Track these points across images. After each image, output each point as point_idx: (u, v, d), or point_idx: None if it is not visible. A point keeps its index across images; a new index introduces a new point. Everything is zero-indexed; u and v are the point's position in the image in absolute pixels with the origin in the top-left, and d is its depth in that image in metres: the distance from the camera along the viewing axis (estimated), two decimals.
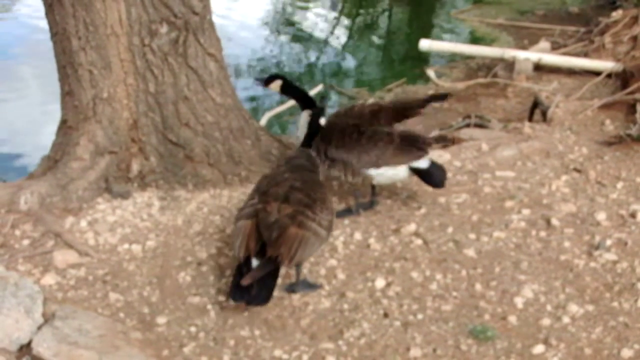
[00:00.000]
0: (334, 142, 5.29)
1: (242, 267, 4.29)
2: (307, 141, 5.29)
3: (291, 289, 4.62)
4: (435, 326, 4.31)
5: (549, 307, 4.46)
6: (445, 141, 5.45)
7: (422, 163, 5.28)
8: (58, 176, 5.50)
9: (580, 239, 5.15)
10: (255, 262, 4.29)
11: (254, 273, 4.22)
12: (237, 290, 4.25)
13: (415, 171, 5.30)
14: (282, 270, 4.53)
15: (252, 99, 10.17)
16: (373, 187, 5.57)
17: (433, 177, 5.33)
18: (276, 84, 5.78)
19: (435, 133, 7.66)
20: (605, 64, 9.14)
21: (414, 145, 5.24)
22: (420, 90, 9.88)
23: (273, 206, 4.43)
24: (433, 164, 5.34)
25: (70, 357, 3.80)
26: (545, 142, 6.66)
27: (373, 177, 5.32)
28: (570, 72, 9.56)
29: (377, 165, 5.25)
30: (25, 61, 11.39)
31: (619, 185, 5.89)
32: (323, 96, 6.02)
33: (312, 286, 4.67)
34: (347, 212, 5.50)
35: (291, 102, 9.28)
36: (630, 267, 4.80)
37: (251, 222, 4.43)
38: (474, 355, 4.09)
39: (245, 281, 4.18)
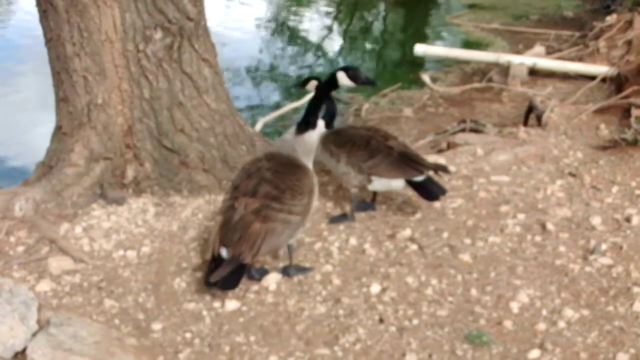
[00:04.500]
0: (345, 148, 5.39)
1: (212, 261, 4.52)
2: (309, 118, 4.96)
3: (285, 272, 4.83)
4: (430, 331, 4.31)
5: (544, 312, 4.45)
6: (442, 169, 5.45)
7: (418, 177, 5.32)
8: (53, 182, 5.50)
9: (575, 243, 5.15)
10: (224, 253, 4.49)
11: (220, 271, 4.42)
12: (208, 280, 4.51)
13: (411, 183, 5.33)
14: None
15: (247, 104, 10.17)
16: (374, 193, 5.63)
17: (427, 190, 5.34)
18: (312, 84, 5.69)
19: (430, 140, 7.68)
20: (600, 68, 9.18)
21: (410, 164, 5.30)
22: (415, 95, 9.88)
23: (241, 201, 4.60)
24: (429, 178, 5.36)
25: None
26: (540, 146, 6.66)
27: (372, 181, 5.35)
28: (565, 76, 9.59)
29: (374, 174, 5.32)
30: (20, 66, 11.37)
31: (614, 189, 5.89)
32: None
33: (304, 269, 4.88)
34: (342, 217, 5.51)
35: (285, 108, 9.32)
36: (625, 272, 4.80)
37: (222, 217, 4.63)
38: None
39: (213, 279, 4.43)
